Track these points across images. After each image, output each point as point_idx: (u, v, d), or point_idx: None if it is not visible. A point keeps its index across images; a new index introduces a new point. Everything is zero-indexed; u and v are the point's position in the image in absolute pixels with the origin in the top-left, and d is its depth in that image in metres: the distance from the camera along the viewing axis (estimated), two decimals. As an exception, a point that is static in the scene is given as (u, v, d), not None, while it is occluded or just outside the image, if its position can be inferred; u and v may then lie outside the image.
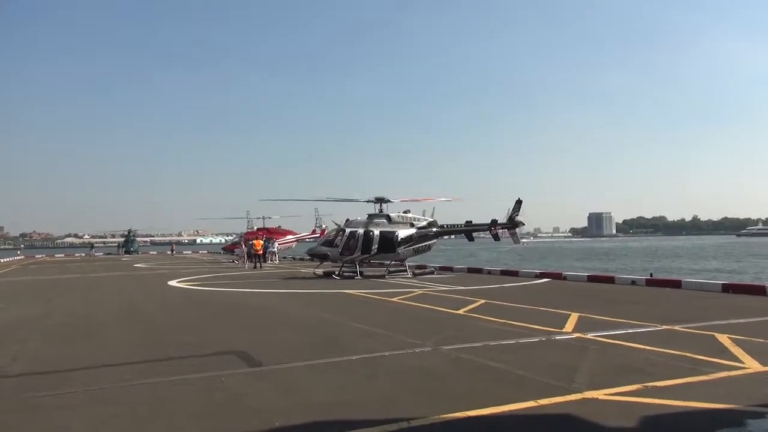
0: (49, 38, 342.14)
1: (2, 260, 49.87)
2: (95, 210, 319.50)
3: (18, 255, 69.33)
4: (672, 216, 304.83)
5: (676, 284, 17.37)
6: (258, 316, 12.49)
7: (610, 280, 19.79)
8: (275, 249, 38.59)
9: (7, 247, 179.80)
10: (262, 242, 34.12)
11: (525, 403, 5.56)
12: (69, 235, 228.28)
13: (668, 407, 5.42)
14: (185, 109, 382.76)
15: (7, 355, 8.38)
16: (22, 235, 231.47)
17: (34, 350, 8.83)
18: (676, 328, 9.83)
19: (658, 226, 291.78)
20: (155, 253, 72.08)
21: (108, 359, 7.96)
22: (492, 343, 8.56)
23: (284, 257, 44.23)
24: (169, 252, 67.18)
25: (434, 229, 25.30)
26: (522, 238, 29.13)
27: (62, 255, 71.30)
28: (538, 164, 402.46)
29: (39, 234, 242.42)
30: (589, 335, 9.15)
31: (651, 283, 18.11)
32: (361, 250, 23.18)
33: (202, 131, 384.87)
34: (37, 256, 67.86)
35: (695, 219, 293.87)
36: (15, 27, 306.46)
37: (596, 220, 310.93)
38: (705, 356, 7.48)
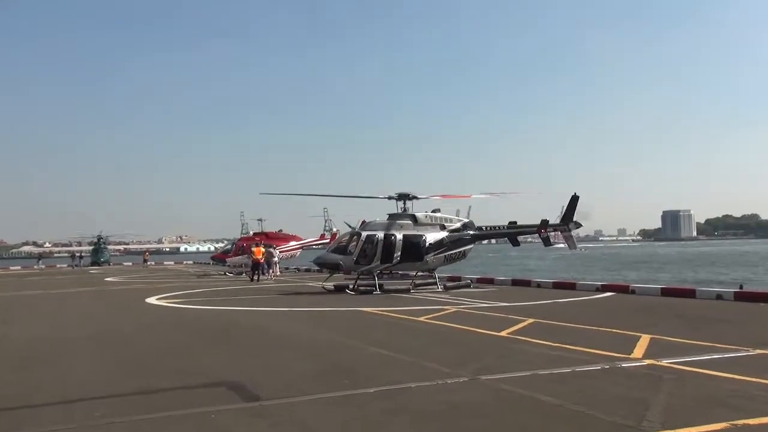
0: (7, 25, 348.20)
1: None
2: (58, 212, 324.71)
3: None
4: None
5: (773, 298, 17.11)
6: (255, 340, 12.59)
7: (689, 293, 19.57)
8: (277, 258, 38.84)
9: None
10: (262, 249, 34.46)
11: (583, 445, 5.53)
12: (26, 243, 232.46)
13: (763, 451, 5.35)
14: (167, 98, 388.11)
15: (-45, 388, 8.55)
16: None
17: (-12, 381, 9.00)
18: (774, 352, 9.70)
19: (749, 227, 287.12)
20: (130, 264, 72.96)
21: (76, 392, 8.09)
22: (543, 372, 8.53)
23: (286, 268, 44.47)
24: (142, 262, 67.56)
25: (470, 232, 25.29)
26: (579, 242, 29.00)
27: (19, 267, 72.53)
28: (595, 155, 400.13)
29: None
30: (664, 362, 9.06)
31: (741, 296, 17.86)
32: (381, 258, 23.22)
33: (187, 123, 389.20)
34: None
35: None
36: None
37: (672, 220, 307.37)
38: (810, 388, 7.36)
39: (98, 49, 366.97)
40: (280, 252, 41.72)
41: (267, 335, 13.27)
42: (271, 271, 36.56)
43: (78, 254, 75.18)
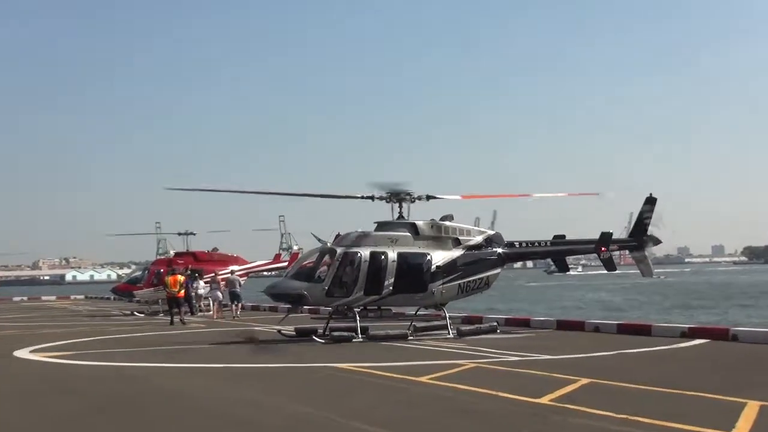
0: None
1: None
2: None
3: None
4: None
5: None
6: (177, 412, 12.54)
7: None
8: (239, 288, 38.79)
9: None
10: (180, 278, 34.38)
11: None
12: None
13: None
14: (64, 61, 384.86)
15: None
16: None
17: None
18: None
19: None
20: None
21: None
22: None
23: (225, 304, 44.32)
24: None
25: (498, 250, 25.17)
26: (657, 265, 29.11)
27: None
28: (682, 143, 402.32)
29: None
30: (781, 441, 9.11)
31: None
32: (365, 287, 22.99)
33: (89, 92, 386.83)
34: None
35: None
36: None
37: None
38: None
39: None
40: (204, 281, 41.76)
41: (195, 405, 13.19)
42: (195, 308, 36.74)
43: None
